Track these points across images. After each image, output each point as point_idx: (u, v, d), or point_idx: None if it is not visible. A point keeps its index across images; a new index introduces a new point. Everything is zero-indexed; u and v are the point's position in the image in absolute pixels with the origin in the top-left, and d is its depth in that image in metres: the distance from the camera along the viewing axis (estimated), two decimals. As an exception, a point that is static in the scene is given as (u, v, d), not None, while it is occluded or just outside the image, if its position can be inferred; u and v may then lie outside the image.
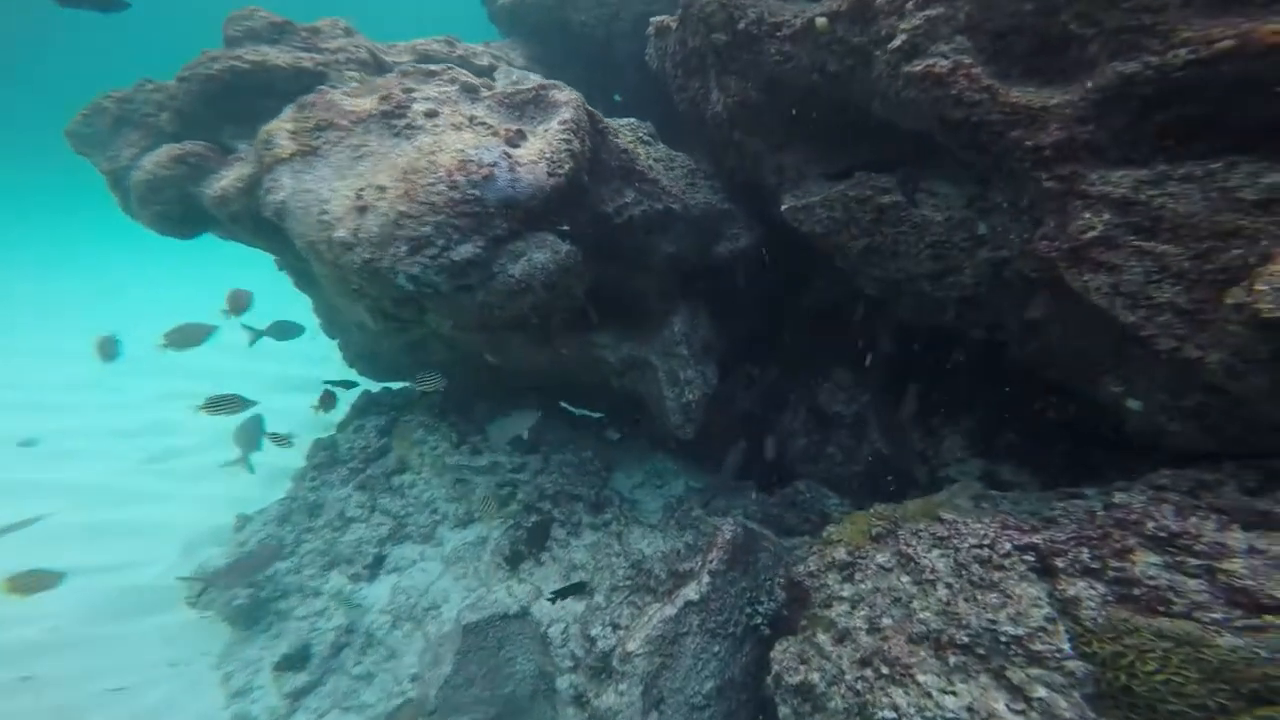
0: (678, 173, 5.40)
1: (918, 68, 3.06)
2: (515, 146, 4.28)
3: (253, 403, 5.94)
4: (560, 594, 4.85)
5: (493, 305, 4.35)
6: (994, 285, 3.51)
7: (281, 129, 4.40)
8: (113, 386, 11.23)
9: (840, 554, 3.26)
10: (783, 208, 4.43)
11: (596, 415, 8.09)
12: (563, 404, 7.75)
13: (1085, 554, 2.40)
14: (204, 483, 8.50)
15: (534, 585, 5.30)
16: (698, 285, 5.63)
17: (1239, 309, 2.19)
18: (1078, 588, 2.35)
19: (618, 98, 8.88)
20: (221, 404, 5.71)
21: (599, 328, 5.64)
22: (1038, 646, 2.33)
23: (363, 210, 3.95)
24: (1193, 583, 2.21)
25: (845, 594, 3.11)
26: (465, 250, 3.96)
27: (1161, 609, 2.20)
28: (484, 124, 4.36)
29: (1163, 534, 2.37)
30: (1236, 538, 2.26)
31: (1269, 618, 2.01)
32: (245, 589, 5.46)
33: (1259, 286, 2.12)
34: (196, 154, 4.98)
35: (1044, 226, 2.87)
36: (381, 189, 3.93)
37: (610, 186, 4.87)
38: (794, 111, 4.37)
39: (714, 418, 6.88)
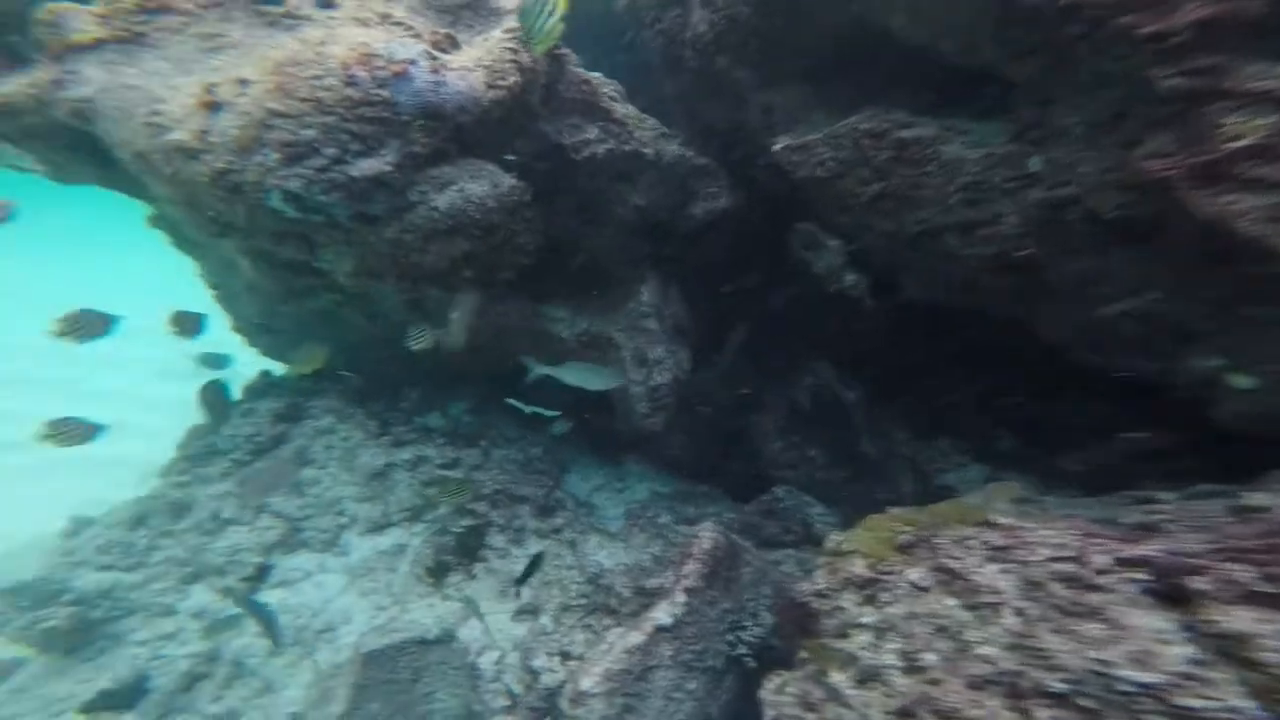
0: (648, 127, 4.57)
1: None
2: (444, 53, 3.36)
3: (102, 426, 4.75)
4: (525, 577, 3.90)
5: (410, 247, 3.39)
6: (1046, 235, 2.85)
7: (80, 10, 3.30)
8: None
9: (858, 568, 2.49)
10: (775, 148, 3.69)
11: (551, 414, 7.14)
12: (510, 400, 6.77)
13: (1245, 572, 1.69)
14: (39, 482, 7.03)
15: (462, 602, 4.32)
16: (668, 253, 4.82)
17: None
18: (1243, 620, 1.64)
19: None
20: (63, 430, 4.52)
21: (552, 297, 4.75)
22: (1190, 701, 1.60)
23: (213, 108, 2.93)
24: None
25: (868, 620, 2.33)
26: (368, 165, 3.00)
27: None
28: (401, 24, 3.40)
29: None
30: None
31: None
32: (64, 606, 4.22)
33: None
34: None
35: (1149, 143, 2.19)
36: (243, 82, 2.92)
37: (568, 121, 4.00)
38: (789, 33, 3.64)
39: (680, 417, 6.10)
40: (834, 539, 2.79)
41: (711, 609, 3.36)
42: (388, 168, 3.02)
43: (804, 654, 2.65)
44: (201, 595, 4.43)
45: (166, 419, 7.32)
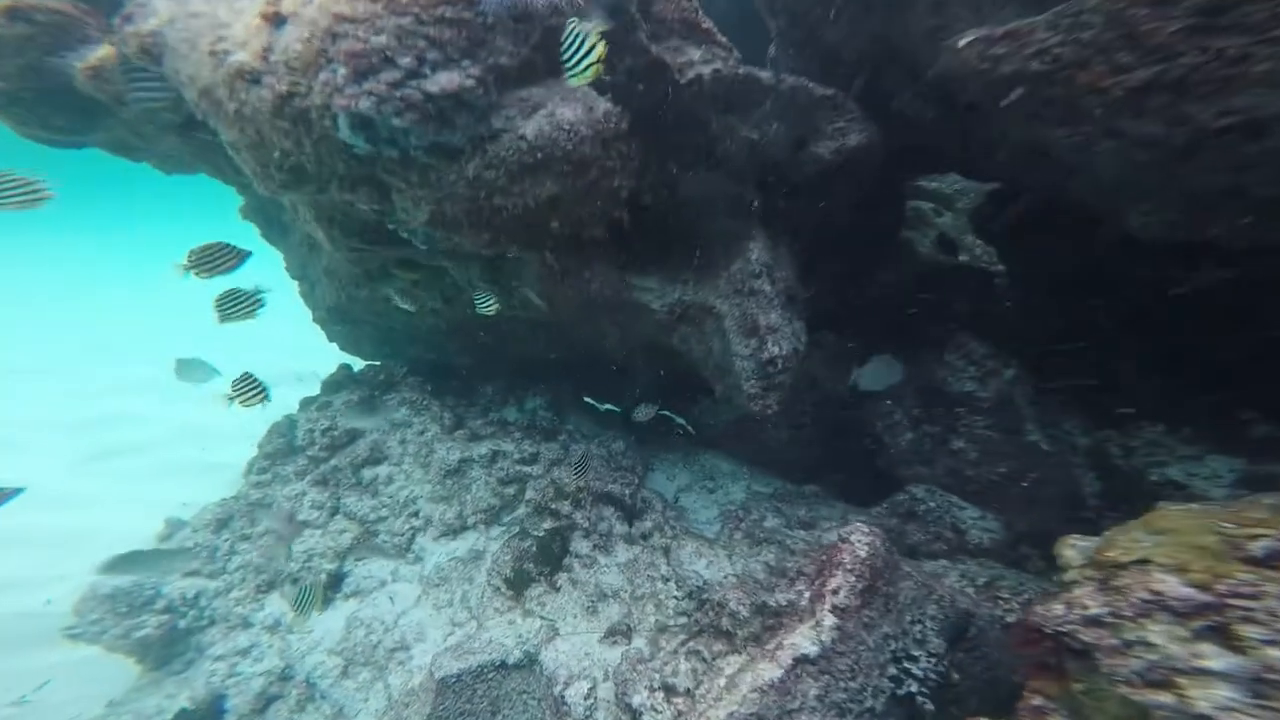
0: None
1: None
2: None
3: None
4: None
5: (493, 187, 2.87)
6: None
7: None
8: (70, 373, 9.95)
9: (1168, 586, 1.64)
10: (960, 44, 2.90)
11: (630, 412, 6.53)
12: (587, 398, 6.22)
13: None
14: (153, 483, 7.05)
15: (546, 621, 3.70)
16: (781, 207, 4.10)
17: None
18: None
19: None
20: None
21: (643, 264, 4.14)
22: None
23: (277, 21, 2.52)
24: None
25: (1213, 664, 1.48)
26: (447, 80, 2.50)
27: None
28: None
29: None
30: None
31: None
32: (155, 615, 3.94)
33: None
34: (50, 9, 3.56)
35: None
36: (311, -12, 2.49)
37: (667, 43, 3.42)
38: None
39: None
40: (1079, 545, 1.95)
41: (869, 634, 2.55)
42: (470, 82, 2.52)
43: (1041, 699, 1.83)
44: (276, 605, 4.05)
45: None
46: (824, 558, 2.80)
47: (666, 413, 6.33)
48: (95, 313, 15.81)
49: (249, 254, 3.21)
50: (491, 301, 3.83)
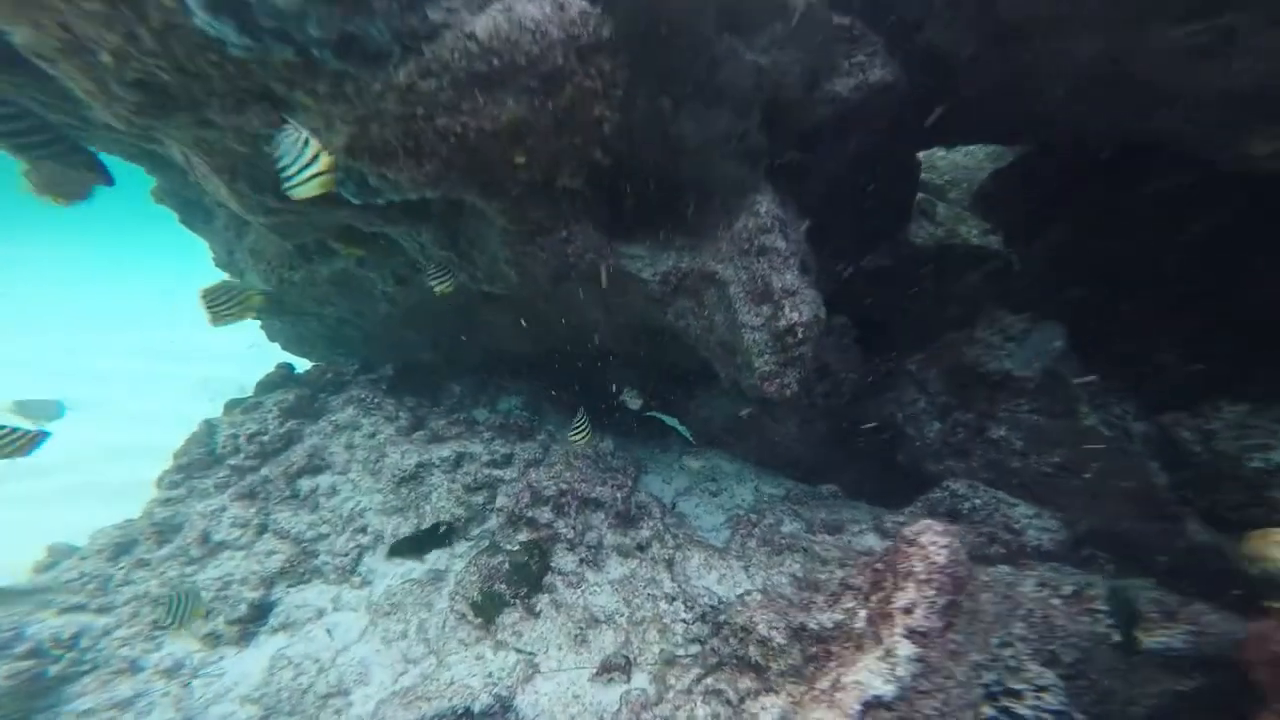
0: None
1: None
2: None
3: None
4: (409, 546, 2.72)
5: (434, 101, 2.22)
6: None
7: None
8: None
9: None
10: None
11: (678, 426, 5.89)
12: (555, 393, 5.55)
13: None
14: (48, 509, 6.14)
15: (524, 655, 3.00)
16: (789, 160, 3.53)
17: None
18: None
19: None
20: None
21: (627, 226, 3.52)
22: None
23: None
24: None
25: None
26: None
27: None
28: None
29: None
30: None
31: None
32: (13, 661, 3.12)
33: None
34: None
35: None
36: None
37: (657, -53, 2.83)
38: None
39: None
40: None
41: (956, 665, 1.93)
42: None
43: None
44: (178, 645, 3.26)
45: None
46: (881, 566, 2.17)
47: (657, 414, 5.70)
48: None
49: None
50: (447, 278, 3.17)
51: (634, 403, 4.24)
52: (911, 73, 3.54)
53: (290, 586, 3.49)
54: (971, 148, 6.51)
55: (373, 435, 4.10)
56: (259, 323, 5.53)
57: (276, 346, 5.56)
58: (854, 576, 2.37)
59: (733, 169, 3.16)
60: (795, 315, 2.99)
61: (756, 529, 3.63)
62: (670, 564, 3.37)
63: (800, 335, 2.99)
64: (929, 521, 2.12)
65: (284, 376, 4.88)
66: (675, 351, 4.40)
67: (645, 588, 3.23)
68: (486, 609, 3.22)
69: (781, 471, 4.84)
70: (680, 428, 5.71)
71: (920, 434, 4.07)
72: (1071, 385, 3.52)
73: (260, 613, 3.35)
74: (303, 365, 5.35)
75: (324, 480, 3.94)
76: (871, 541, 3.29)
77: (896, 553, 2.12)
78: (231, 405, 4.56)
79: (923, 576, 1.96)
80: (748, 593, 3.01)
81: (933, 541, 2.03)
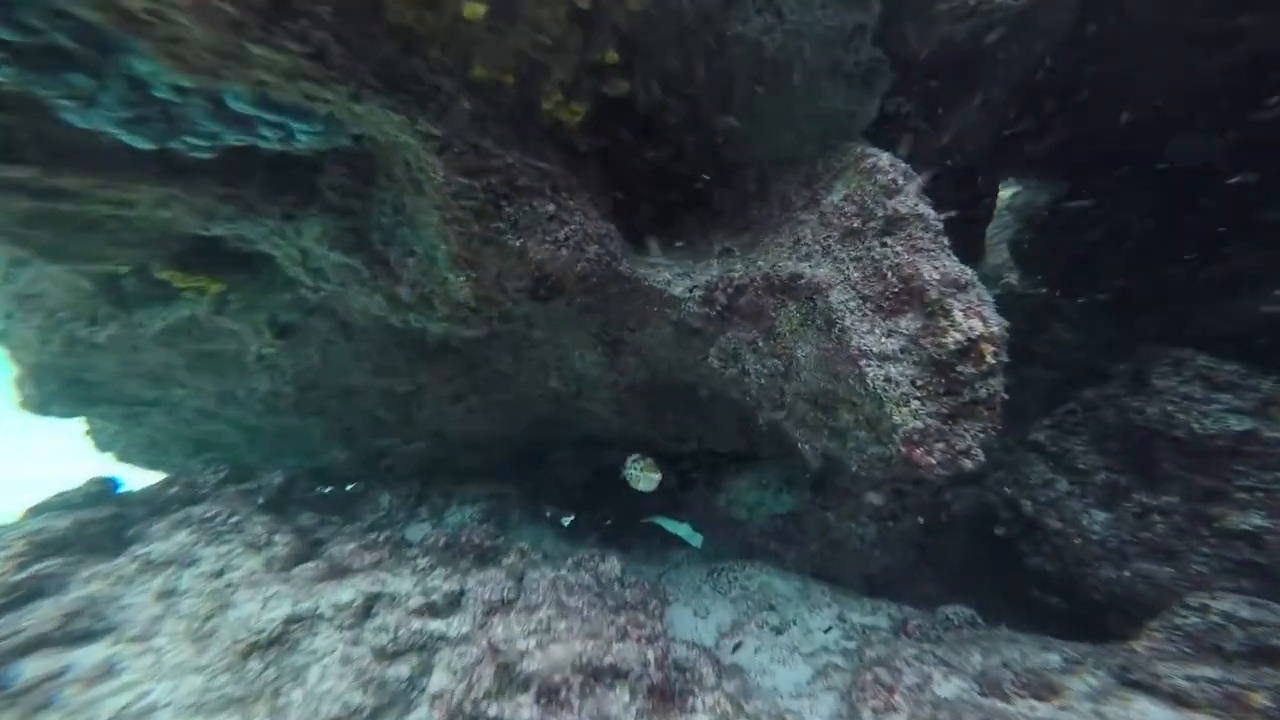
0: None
1: None
2: None
3: None
4: None
5: None
6: None
7: None
8: None
9: None
10: None
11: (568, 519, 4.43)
12: (536, 507, 4.07)
13: None
14: None
15: None
16: (913, 102, 2.44)
17: None
18: None
19: None
20: None
21: (658, 219, 2.30)
22: None
23: None
24: None
25: None
26: None
27: None
28: None
29: None
30: None
31: None
32: None
33: None
34: None
35: None
36: None
37: None
38: None
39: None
40: None
41: None
42: None
43: None
44: None
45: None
46: None
47: (660, 521, 4.25)
48: None
49: None
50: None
51: (647, 481, 2.78)
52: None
53: None
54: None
55: (218, 575, 2.41)
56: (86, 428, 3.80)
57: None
58: None
59: (837, 98, 2.00)
60: (976, 325, 1.72)
61: (894, 692, 2.13)
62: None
63: (990, 359, 1.71)
64: None
65: (91, 494, 3.12)
66: (706, 425, 3.04)
67: None
68: None
69: (853, 587, 3.40)
70: (691, 536, 4.25)
71: (1076, 528, 2.78)
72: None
73: None
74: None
75: (93, 655, 2.18)
76: (1128, 712, 1.85)
77: None
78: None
79: None
80: None
81: None
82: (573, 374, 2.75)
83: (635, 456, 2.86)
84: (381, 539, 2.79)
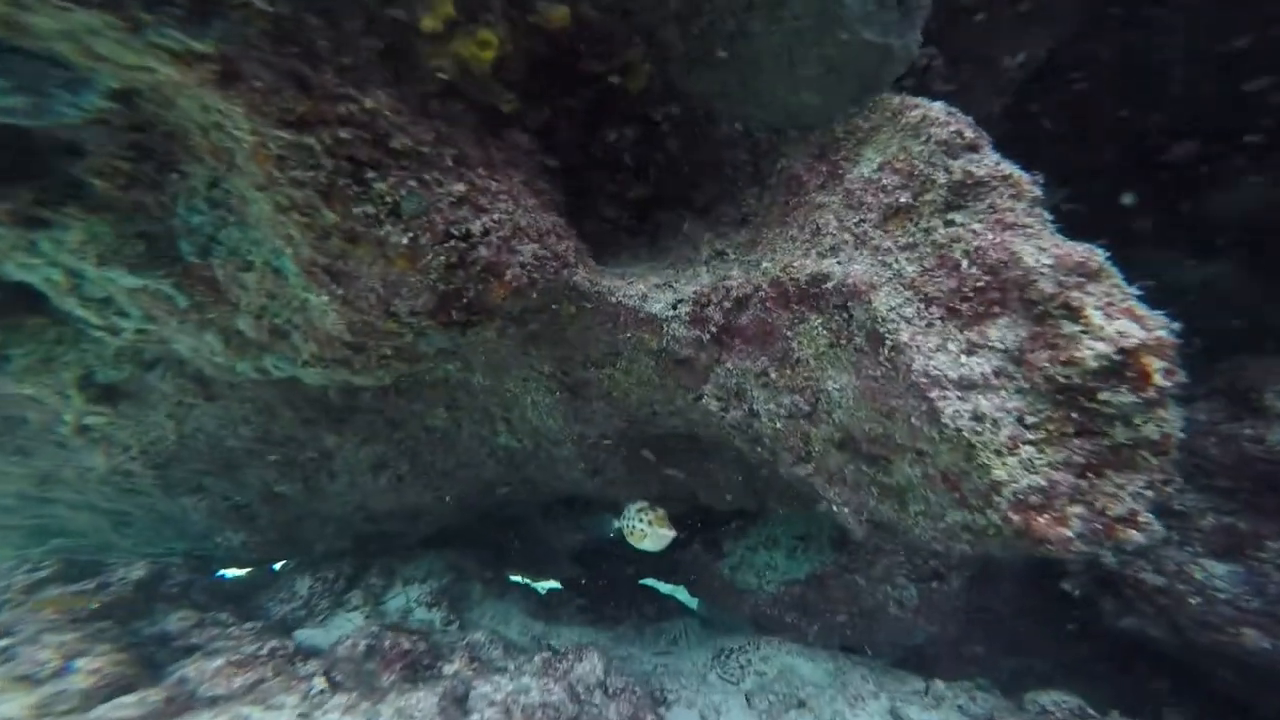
0: None
1: None
2: None
3: None
4: None
5: None
6: None
7: None
8: None
9: None
10: None
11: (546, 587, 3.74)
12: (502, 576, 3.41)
13: None
14: None
15: None
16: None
17: None
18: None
19: None
20: None
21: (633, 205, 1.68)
22: None
23: None
24: None
25: None
26: None
27: None
28: None
29: None
30: None
31: None
32: None
33: None
34: None
35: None
36: None
37: None
38: None
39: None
40: None
41: None
42: None
43: None
44: None
45: None
46: None
47: (654, 584, 3.59)
48: None
49: None
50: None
51: (655, 539, 2.01)
52: None
53: None
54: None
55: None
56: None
57: None
58: None
59: (862, 28, 1.40)
60: (1129, 329, 1.10)
61: None
62: None
63: (1158, 379, 1.08)
64: None
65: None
66: (704, 483, 2.37)
67: None
68: None
69: (886, 662, 2.73)
70: (690, 599, 3.60)
71: (1189, 584, 2.15)
72: None
73: None
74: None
75: None
76: None
77: None
78: None
79: None
80: None
81: None
82: (526, 428, 2.08)
83: (641, 505, 2.09)
84: (266, 650, 2.06)
